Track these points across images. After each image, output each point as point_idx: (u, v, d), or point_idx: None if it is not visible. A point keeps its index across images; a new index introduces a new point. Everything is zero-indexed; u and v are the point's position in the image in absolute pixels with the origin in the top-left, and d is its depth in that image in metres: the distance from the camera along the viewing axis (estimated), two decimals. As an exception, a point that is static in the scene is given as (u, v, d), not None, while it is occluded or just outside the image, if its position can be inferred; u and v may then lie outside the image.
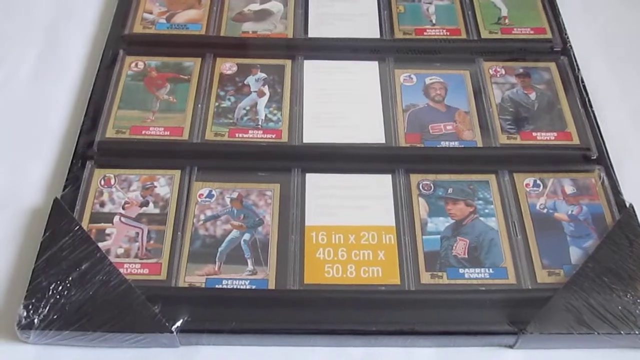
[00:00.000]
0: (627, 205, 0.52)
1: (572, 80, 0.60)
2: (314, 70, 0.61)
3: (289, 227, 0.51)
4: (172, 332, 0.45)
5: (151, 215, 0.52)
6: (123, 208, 0.52)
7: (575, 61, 0.62)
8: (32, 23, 0.66)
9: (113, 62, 0.60)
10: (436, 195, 0.53)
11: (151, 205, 0.52)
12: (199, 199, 0.53)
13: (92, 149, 0.55)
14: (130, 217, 0.51)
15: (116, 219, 0.51)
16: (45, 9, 0.67)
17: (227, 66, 0.61)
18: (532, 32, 0.64)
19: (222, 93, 0.59)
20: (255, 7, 0.65)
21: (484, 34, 0.64)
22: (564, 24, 0.65)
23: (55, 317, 0.45)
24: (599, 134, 0.57)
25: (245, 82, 0.60)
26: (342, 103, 0.59)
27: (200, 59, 0.61)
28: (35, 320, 0.45)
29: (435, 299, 0.48)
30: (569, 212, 0.52)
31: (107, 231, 0.51)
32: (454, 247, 0.50)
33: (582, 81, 0.60)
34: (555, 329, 0.46)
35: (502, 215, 0.52)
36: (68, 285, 0.47)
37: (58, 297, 0.47)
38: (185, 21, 0.64)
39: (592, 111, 0.58)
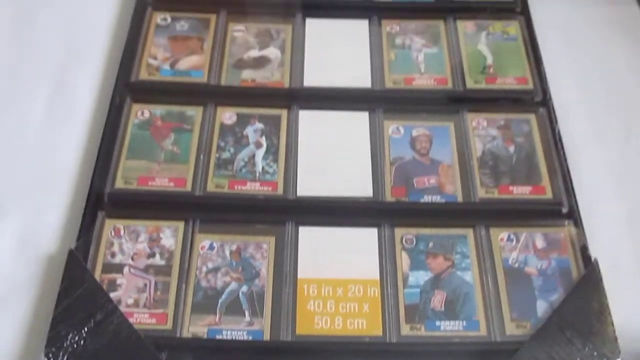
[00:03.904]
0: (593, 260, 0.57)
1: (550, 133, 0.64)
2: (308, 120, 0.65)
3: (282, 279, 0.56)
4: (177, 380, 0.51)
5: (158, 267, 0.57)
6: (132, 259, 0.57)
7: (554, 113, 0.65)
8: (42, 64, 0.69)
9: (120, 110, 0.64)
10: (418, 249, 0.58)
11: (157, 256, 0.57)
12: (201, 251, 0.58)
13: (102, 199, 0.60)
14: (138, 268, 0.57)
15: (126, 269, 0.56)
16: (54, 51, 0.70)
17: (228, 116, 0.65)
18: (514, 81, 0.68)
19: (222, 144, 0.63)
20: (254, 53, 0.69)
21: (470, 84, 0.67)
22: (545, 73, 0.68)
23: (73, 365, 0.51)
24: (571, 188, 0.61)
25: (244, 132, 0.64)
26: (333, 155, 0.63)
27: (202, 108, 0.65)
28: (56, 369, 0.51)
29: (413, 350, 0.54)
30: (539, 267, 0.57)
31: (118, 282, 0.56)
32: (432, 300, 0.56)
33: (559, 134, 0.64)
34: (520, 380, 0.51)
35: (478, 269, 0.57)
36: (84, 335, 0.52)
37: (75, 346, 0.52)
38: (188, 68, 0.68)
39: (566, 165, 0.62)
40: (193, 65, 0.68)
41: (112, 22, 0.72)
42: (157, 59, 0.68)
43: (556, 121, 0.65)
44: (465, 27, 0.71)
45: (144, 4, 0.72)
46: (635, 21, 0.74)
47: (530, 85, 0.67)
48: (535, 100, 0.66)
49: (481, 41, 0.70)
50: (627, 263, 0.58)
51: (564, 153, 0.63)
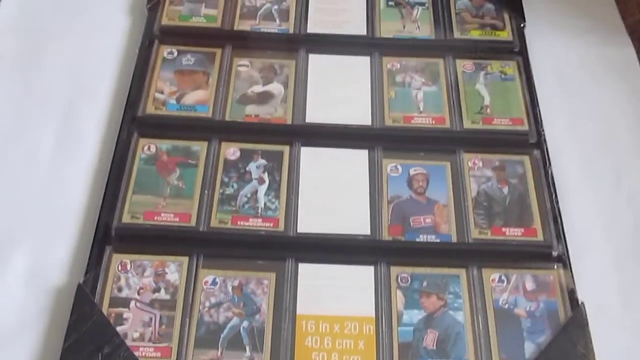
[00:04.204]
0: (580, 303, 0.60)
1: (543, 175, 0.66)
2: (309, 157, 0.67)
3: (282, 315, 0.59)
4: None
5: (163, 301, 0.59)
6: (138, 293, 0.59)
7: (548, 156, 0.67)
8: (49, 98, 0.71)
9: (128, 145, 0.67)
10: (412, 288, 0.60)
11: (162, 291, 0.59)
12: (205, 286, 0.60)
13: (110, 233, 0.62)
14: (144, 302, 0.59)
15: (132, 304, 0.59)
16: (61, 85, 0.72)
17: (231, 151, 0.67)
18: (510, 122, 0.70)
19: (226, 179, 0.65)
20: (258, 88, 0.71)
21: (467, 124, 0.70)
22: (540, 115, 0.70)
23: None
24: (561, 231, 0.63)
25: (247, 168, 0.66)
26: (333, 192, 0.65)
27: (206, 143, 0.67)
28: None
29: (405, 388, 0.56)
30: (528, 309, 0.60)
31: (125, 315, 0.58)
32: (424, 339, 0.58)
33: (552, 177, 0.66)
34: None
35: (469, 309, 0.59)
36: (92, 368, 0.55)
37: (83, 379, 0.55)
38: (194, 102, 0.70)
39: (558, 208, 0.64)
40: (199, 99, 0.70)
41: (120, 55, 0.74)
42: (164, 93, 0.70)
43: (549, 164, 0.67)
44: (464, 66, 0.74)
45: (151, 38, 0.74)
46: (629, 62, 0.76)
47: (525, 127, 0.69)
48: (530, 141, 0.69)
49: (479, 81, 0.73)
50: (612, 305, 0.61)
51: (555, 196, 0.65)
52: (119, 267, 0.60)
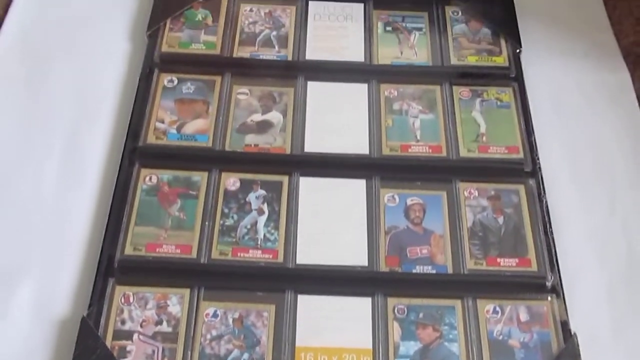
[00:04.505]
0: (572, 334, 0.61)
1: (537, 204, 0.67)
2: (308, 187, 0.68)
3: (281, 347, 0.60)
4: None
5: (165, 334, 0.60)
6: (141, 326, 0.61)
7: (543, 185, 0.68)
8: (51, 129, 0.72)
9: (129, 176, 0.68)
10: (409, 320, 0.62)
11: (165, 323, 0.61)
12: (206, 319, 0.61)
13: (112, 264, 0.63)
14: (147, 335, 0.60)
15: (135, 336, 0.60)
16: (63, 111, 0.73)
17: (231, 182, 0.68)
18: (506, 150, 0.71)
19: (226, 210, 0.67)
20: (258, 117, 0.72)
21: (463, 152, 0.71)
22: (535, 143, 0.71)
23: None
24: (555, 262, 0.64)
25: (247, 199, 0.67)
26: (331, 223, 0.66)
27: (207, 173, 0.68)
28: None
29: (401, 420, 0.58)
30: (521, 340, 0.61)
31: (128, 348, 0.59)
32: (420, 370, 0.60)
33: (547, 206, 0.67)
34: None
35: (464, 340, 0.61)
36: (96, 402, 0.57)
37: (88, 412, 0.56)
38: (194, 132, 0.71)
39: (552, 238, 0.66)
40: (198, 129, 0.71)
41: (121, 81, 0.75)
42: (165, 122, 0.71)
43: (544, 193, 0.68)
44: (461, 92, 0.74)
45: (151, 66, 0.75)
46: (624, 88, 0.76)
47: (520, 155, 0.70)
48: (525, 170, 0.70)
49: (475, 108, 0.73)
50: (605, 336, 0.62)
51: (550, 226, 0.66)
52: (122, 300, 0.62)
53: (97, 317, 0.61)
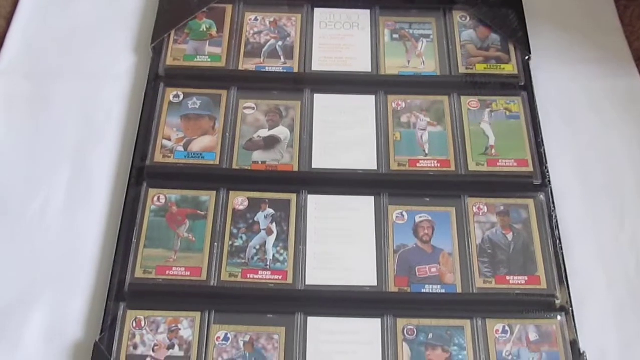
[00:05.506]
0: (581, 352, 0.61)
1: (547, 220, 0.67)
2: (317, 205, 0.68)
3: (292, 371, 0.61)
4: None
5: (177, 358, 0.61)
6: (153, 350, 0.61)
7: (552, 199, 0.68)
8: (58, 144, 0.72)
9: (138, 197, 0.68)
10: (418, 341, 0.62)
11: (177, 347, 0.61)
12: (217, 342, 0.62)
13: (123, 288, 0.64)
14: (159, 359, 0.61)
15: (148, 362, 0.61)
16: (69, 130, 0.73)
17: (240, 201, 0.68)
18: (515, 164, 0.70)
19: (235, 231, 0.67)
20: (264, 133, 0.72)
21: (472, 166, 0.70)
22: (545, 155, 0.70)
23: None
24: (565, 279, 0.64)
25: (255, 218, 0.67)
26: (340, 242, 0.66)
27: (215, 193, 0.68)
28: None
29: None
30: (530, 360, 0.62)
31: (141, 374, 0.61)
32: (430, 392, 0.60)
33: (556, 222, 0.67)
34: None
35: (473, 361, 0.62)
36: None
37: None
38: (201, 149, 0.70)
39: (562, 255, 0.65)
40: (205, 146, 0.71)
41: (126, 97, 0.75)
42: (171, 140, 0.71)
43: (554, 207, 0.68)
44: (469, 103, 0.74)
45: (156, 81, 0.74)
46: (636, 95, 0.75)
47: (530, 168, 0.70)
48: (534, 183, 0.69)
49: (484, 119, 0.72)
50: (614, 354, 0.62)
51: (560, 242, 0.66)
52: (134, 324, 0.62)
53: (109, 342, 0.61)
